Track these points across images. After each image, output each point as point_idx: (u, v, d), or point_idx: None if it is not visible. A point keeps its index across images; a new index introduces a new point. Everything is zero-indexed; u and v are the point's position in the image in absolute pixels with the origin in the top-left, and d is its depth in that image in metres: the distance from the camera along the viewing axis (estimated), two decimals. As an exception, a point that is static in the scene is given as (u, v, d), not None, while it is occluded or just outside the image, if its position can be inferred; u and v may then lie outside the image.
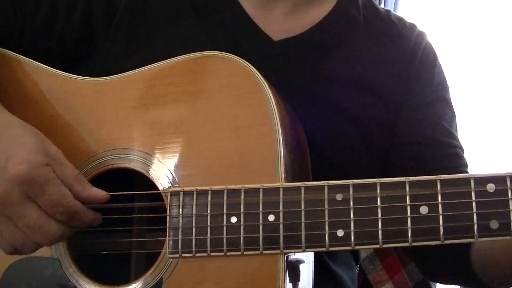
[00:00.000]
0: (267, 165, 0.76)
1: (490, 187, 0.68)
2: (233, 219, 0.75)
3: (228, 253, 0.74)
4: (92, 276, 0.82)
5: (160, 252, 0.78)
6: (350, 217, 0.71)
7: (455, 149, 0.99)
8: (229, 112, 0.79)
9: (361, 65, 1.00)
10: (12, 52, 0.91)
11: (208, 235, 0.75)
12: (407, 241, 0.70)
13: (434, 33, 1.10)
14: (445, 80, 1.06)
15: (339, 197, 0.72)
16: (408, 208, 0.70)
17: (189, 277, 0.76)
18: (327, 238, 0.72)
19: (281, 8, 1.00)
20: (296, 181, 0.75)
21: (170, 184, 0.79)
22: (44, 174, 0.72)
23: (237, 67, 0.80)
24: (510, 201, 0.67)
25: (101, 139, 0.84)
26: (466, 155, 1.01)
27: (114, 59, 0.97)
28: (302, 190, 0.73)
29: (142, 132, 0.83)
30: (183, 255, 0.76)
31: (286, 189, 0.74)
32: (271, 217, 0.74)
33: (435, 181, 0.70)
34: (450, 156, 0.98)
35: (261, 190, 0.74)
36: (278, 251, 0.73)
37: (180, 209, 0.77)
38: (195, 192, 0.77)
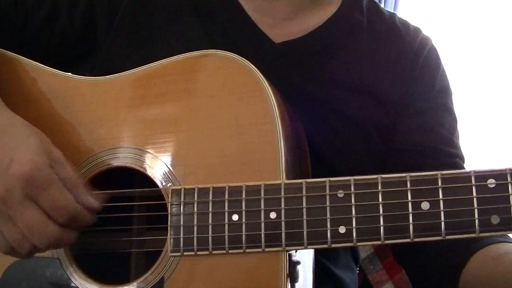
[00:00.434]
0: (269, 163, 0.76)
1: (491, 182, 0.68)
2: (235, 217, 0.75)
3: (230, 251, 0.74)
4: (93, 276, 0.82)
5: (161, 251, 0.78)
6: (351, 214, 0.71)
7: (453, 159, 0.98)
8: (230, 110, 0.79)
9: (363, 69, 0.99)
10: (11, 52, 0.91)
11: (210, 233, 0.75)
12: (408, 237, 0.70)
13: (434, 33, 1.09)
14: (448, 87, 1.05)
15: (340, 193, 0.72)
16: (410, 204, 0.70)
17: (190, 275, 0.76)
18: (329, 234, 0.72)
19: (283, 11, 0.99)
20: (297, 179, 0.75)
21: (171, 183, 0.79)
22: (47, 175, 0.72)
23: (238, 65, 0.81)
24: (511, 197, 0.67)
25: (100, 138, 0.84)
26: (467, 153, 1.00)
27: (114, 57, 0.97)
28: (304, 187, 0.73)
29: (142, 131, 0.83)
30: (185, 253, 0.76)
31: (287, 187, 0.74)
32: (272, 215, 0.74)
33: (436, 177, 0.70)
34: (448, 166, 0.94)
35: (262, 187, 0.74)
36: (280, 249, 0.73)
37: (181, 207, 0.77)
38: (196, 190, 0.77)
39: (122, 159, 0.83)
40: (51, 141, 0.78)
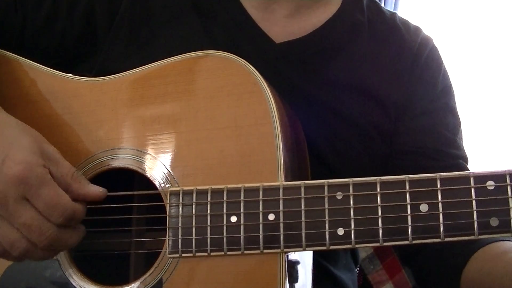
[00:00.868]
0: (267, 164, 0.76)
1: (490, 184, 0.68)
2: (233, 219, 0.75)
3: (228, 253, 0.74)
4: (92, 277, 0.82)
5: (160, 252, 0.78)
6: (350, 216, 0.71)
7: (457, 160, 0.97)
8: (229, 111, 0.79)
9: (363, 70, 0.98)
10: (10, 53, 0.91)
11: (208, 234, 0.75)
12: (407, 239, 0.70)
13: (434, 33, 1.08)
14: (451, 87, 1.04)
15: (339, 195, 0.72)
16: (408, 206, 0.70)
17: (189, 277, 0.76)
18: (327, 236, 0.72)
19: (283, 10, 0.99)
20: (296, 180, 0.75)
21: (169, 184, 0.79)
22: (40, 175, 0.72)
23: (237, 66, 0.80)
24: (510, 199, 0.67)
25: (99, 139, 0.84)
26: (468, 154, 1.00)
27: (114, 58, 0.97)
28: (302, 189, 0.73)
29: (141, 132, 0.83)
30: (183, 255, 0.76)
31: (286, 188, 0.74)
32: (271, 216, 0.74)
33: (435, 179, 0.70)
34: (452, 168, 0.94)
35: (261, 189, 0.74)
36: (278, 250, 0.73)
37: (180, 209, 0.77)
38: (194, 191, 0.77)
39: (121, 160, 0.83)
40: (49, 141, 0.78)
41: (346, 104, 0.96)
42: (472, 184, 0.69)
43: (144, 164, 0.81)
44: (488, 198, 0.68)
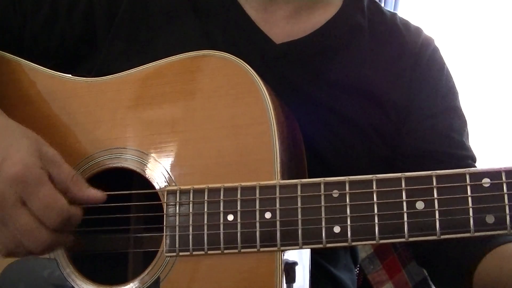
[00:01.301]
0: (265, 164, 0.76)
1: (486, 181, 0.68)
2: (230, 217, 0.75)
3: (225, 251, 0.74)
4: (90, 276, 0.82)
5: (157, 251, 0.78)
6: (346, 213, 0.71)
7: (465, 161, 0.96)
8: (226, 111, 0.79)
9: (364, 71, 0.98)
10: (8, 54, 0.92)
11: (205, 233, 0.75)
12: (403, 237, 0.70)
13: (434, 33, 1.08)
14: (454, 87, 1.03)
15: (335, 193, 0.72)
16: (404, 203, 0.70)
17: (186, 275, 0.76)
18: (324, 234, 0.72)
19: (283, 11, 0.99)
20: (293, 179, 0.75)
21: (167, 183, 0.79)
22: (38, 176, 0.72)
23: (234, 66, 0.81)
24: (505, 196, 0.67)
25: (97, 139, 0.84)
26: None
27: (113, 59, 0.97)
28: (299, 187, 0.73)
29: (139, 132, 0.83)
30: (180, 253, 0.76)
31: (282, 186, 0.74)
32: (267, 215, 0.74)
33: (430, 176, 0.70)
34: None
35: (257, 187, 0.75)
36: (275, 248, 0.73)
37: (177, 208, 0.77)
38: (191, 190, 0.77)
39: (119, 160, 0.83)
40: (48, 142, 0.78)
41: (346, 105, 0.96)
42: (468, 181, 0.69)
43: (142, 164, 0.82)
44: (484, 195, 0.68)
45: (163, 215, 0.78)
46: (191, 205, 0.77)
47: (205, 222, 0.76)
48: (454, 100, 1.02)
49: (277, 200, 0.74)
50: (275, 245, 0.73)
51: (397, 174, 0.71)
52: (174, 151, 0.81)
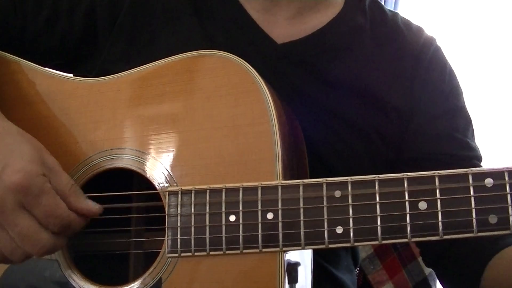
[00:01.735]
0: (266, 163, 0.76)
1: (488, 182, 0.68)
2: (232, 218, 0.75)
3: (227, 252, 0.74)
4: (91, 277, 0.82)
5: (159, 252, 0.78)
6: (349, 214, 0.71)
7: (471, 161, 0.95)
8: (227, 111, 0.79)
9: (365, 72, 0.97)
10: (8, 54, 0.91)
11: (207, 234, 0.75)
12: (406, 237, 0.69)
13: (434, 32, 1.07)
14: (458, 87, 1.02)
15: (337, 194, 0.72)
16: (407, 204, 0.70)
17: (188, 276, 0.76)
18: (326, 235, 0.72)
19: (285, 11, 0.98)
20: (294, 179, 0.75)
21: (168, 184, 0.79)
22: (40, 184, 0.72)
23: (234, 66, 0.80)
24: (508, 196, 0.67)
25: (98, 139, 0.84)
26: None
27: (114, 60, 0.97)
28: (301, 188, 0.73)
29: (139, 132, 0.83)
30: (182, 254, 0.76)
31: (284, 187, 0.74)
32: (269, 215, 0.74)
33: (433, 176, 0.70)
34: None
35: (259, 188, 0.74)
36: (277, 249, 0.73)
37: (179, 209, 0.77)
38: (193, 191, 0.77)
39: (119, 160, 0.83)
40: (47, 143, 0.78)
41: (347, 106, 0.96)
42: (471, 181, 0.68)
43: (142, 164, 0.81)
44: (487, 195, 0.68)
45: (165, 215, 0.78)
46: (192, 205, 0.76)
47: (207, 223, 0.75)
48: (458, 100, 1.01)
49: (279, 201, 0.73)
50: (277, 246, 0.73)
51: (399, 174, 0.71)
52: (175, 151, 0.80)
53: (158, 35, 0.97)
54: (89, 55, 1.00)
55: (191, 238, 0.76)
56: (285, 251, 0.73)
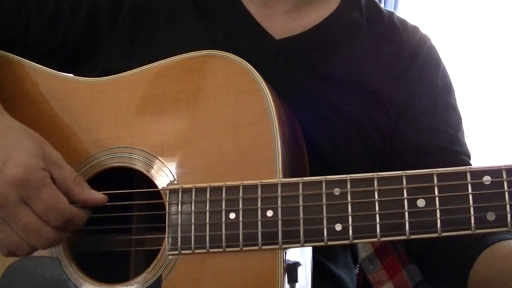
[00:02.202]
0: (266, 162, 0.76)
1: (486, 179, 0.69)
2: (232, 216, 0.75)
3: (227, 249, 0.75)
4: (92, 275, 0.82)
5: (159, 250, 0.79)
6: (348, 212, 0.72)
7: (460, 157, 0.97)
8: (227, 110, 0.80)
9: (362, 68, 0.99)
10: (11, 54, 0.92)
11: (207, 231, 0.76)
12: (404, 234, 0.70)
13: (434, 33, 1.08)
14: (451, 84, 1.04)
15: (336, 191, 0.73)
16: (405, 201, 0.70)
17: (188, 274, 0.77)
18: (325, 232, 0.72)
19: (283, 6, 0.99)
20: (295, 177, 0.76)
21: (168, 182, 0.80)
22: (40, 178, 0.73)
23: (235, 65, 0.81)
24: (506, 193, 0.68)
25: (99, 138, 0.85)
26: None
27: (116, 58, 0.97)
28: (300, 186, 0.74)
29: (141, 131, 0.83)
30: (182, 252, 0.77)
31: (284, 185, 0.74)
32: (269, 213, 0.74)
33: (431, 174, 0.70)
34: (455, 164, 0.91)
35: (259, 186, 0.75)
36: (277, 246, 0.73)
37: (179, 207, 0.78)
38: (194, 189, 0.77)
39: (121, 159, 0.83)
40: (49, 142, 0.79)
41: (345, 101, 0.97)
42: (469, 179, 0.69)
43: (144, 163, 0.82)
44: (485, 193, 0.68)
45: (165, 213, 0.78)
46: (193, 203, 0.77)
47: (207, 220, 0.76)
48: (450, 97, 1.03)
49: (279, 199, 0.74)
50: (277, 243, 0.73)
51: (398, 172, 0.71)
52: (176, 150, 0.81)
53: (160, 33, 0.98)
54: (91, 54, 1.00)
55: (191, 235, 0.76)
56: (285, 249, 0.74)
